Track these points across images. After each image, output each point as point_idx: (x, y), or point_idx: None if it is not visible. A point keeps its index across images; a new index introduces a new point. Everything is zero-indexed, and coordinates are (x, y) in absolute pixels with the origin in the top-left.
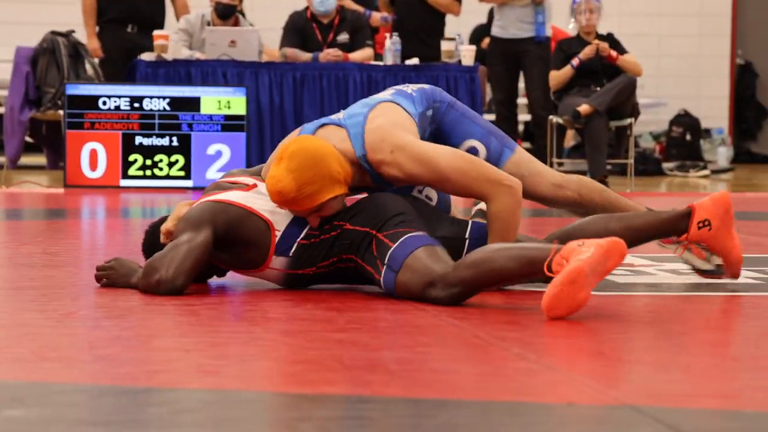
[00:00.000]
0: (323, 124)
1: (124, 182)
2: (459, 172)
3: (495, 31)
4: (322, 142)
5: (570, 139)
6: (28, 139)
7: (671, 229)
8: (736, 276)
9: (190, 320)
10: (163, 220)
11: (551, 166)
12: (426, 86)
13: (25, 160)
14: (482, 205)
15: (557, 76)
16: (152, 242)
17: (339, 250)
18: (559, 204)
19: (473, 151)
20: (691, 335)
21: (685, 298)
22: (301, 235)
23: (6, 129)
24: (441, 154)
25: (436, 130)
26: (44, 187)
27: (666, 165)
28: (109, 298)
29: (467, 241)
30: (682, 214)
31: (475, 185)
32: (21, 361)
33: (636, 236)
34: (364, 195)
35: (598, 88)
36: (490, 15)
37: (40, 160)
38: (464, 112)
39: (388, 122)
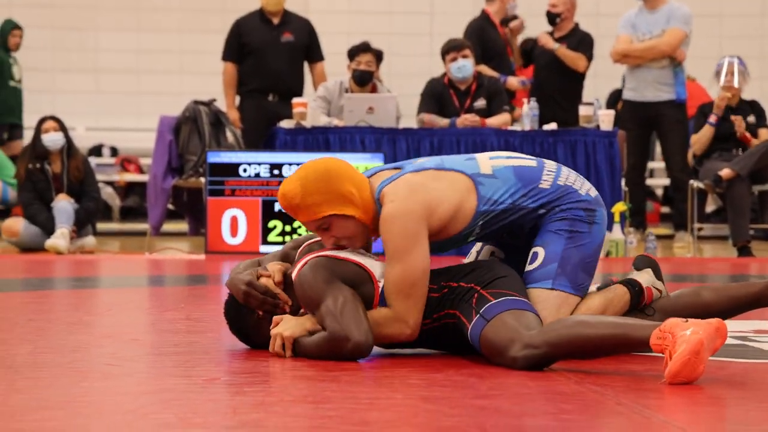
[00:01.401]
0: (394, 167)
1: (263, 248)
2: (400, 280)
3: (628, 94)
4: (344, 163)
5: (711, 203)
6: (170, 206)
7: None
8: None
9: (330, 386)
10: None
11: (692, 231)
12: (551, 177)
13: (168, 227)
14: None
15: (699, 139)
16: (236, 309)
17: (445, 305)
18: None
19: (534, 255)
20: None
21: None
22: None
23: (149, 197)
24: (414, 255)
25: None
26: (186, 253)
27: None
28: (252, 364)
29: None
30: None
31: (392, 298)
32: (167, 427)
33: (733, 306)
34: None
35: (740, 152)
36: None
37: (182, 227)
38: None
39: (419, 182)
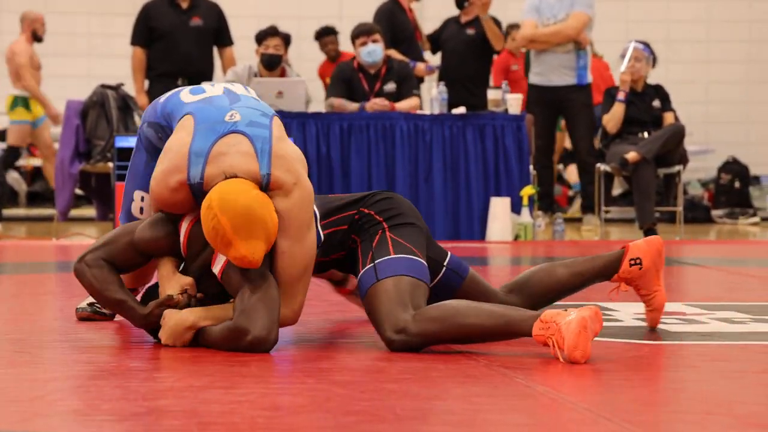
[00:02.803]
0: (223, 134)
1: None
2: (294, 261)
3: (534, 78)
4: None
5: (617, 186)
6: (78, 191)
7: (611, 269)
8: (655, 322)
9: (240, 371)
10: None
11: (599, 213)
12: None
13: (75, 212)
14: None
15: (612, 117)
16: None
17: (354, 231)
18: None
19: None
20: (746, 382)
21: (740, 346)
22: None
23: (57, 181)
24: (309, 236)
25: None
26: (94, 238)
27: (715, 212)
28: (159, 351)
29: (444, 269)
30: (619, 254)
31: (287, 282)
32: (75, 413)
33: (581, 281)
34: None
35: (646, 135)
36: (526, 61)
37: (90, 212)
38: None
39: (291, 147)
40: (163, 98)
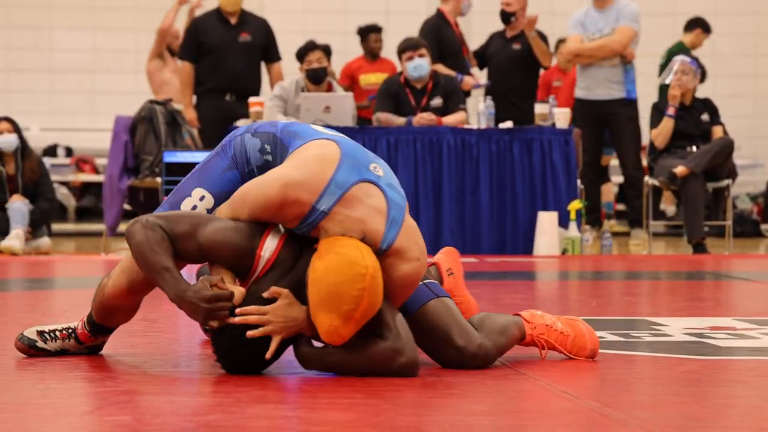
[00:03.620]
0: (366, 180)
1: None
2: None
3: (579, 93)
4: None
5: (666, 202)
6: (126, 206)
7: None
8: None
9: (288, 386)
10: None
11: (647, 228)
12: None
13: (124, 227)
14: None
15: (660, 132)
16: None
17: None
18: None
19: None
20: None
21: None
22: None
23: (105, 197)
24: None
25: None
26: None
27: (764, 226)
28: (209, 365)
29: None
30: (435, 270)
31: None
32: (124, 428)
33: None
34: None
35: (694, 149)
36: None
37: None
38: None
39: (414, 224)
40: (285, 121)
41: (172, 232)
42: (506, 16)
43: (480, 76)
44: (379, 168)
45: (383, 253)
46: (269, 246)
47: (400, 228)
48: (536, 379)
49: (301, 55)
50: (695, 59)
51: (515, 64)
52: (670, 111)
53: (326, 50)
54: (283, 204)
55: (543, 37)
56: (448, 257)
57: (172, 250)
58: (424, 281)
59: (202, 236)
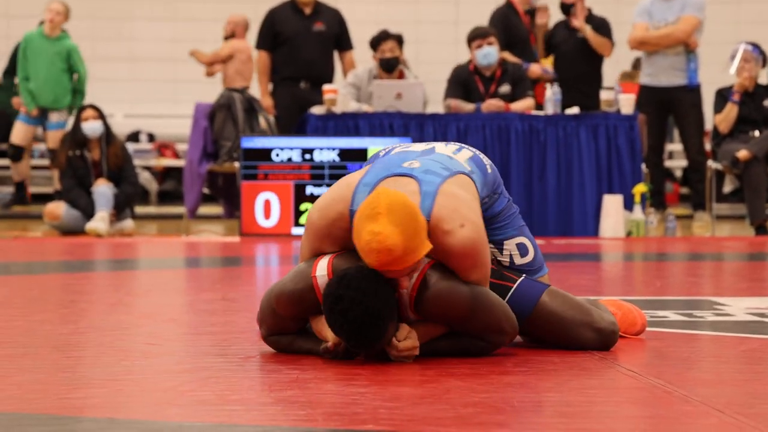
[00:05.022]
0: (395, 174)
1: (296, 230)
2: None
3: (644, 79)
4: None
5: (729, 183)
6: (205, 190)
7: None
8: None
9: (362, 364)
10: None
11: (710, 210)
12: (488, 164)
13: (203, 210)
14: None
15: (724, 118)
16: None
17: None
18: None
19: (523, 247)
20: None
21: None
22: None
23: (186, 181)
24: (487, 268)
25: (489, 218)
26: (221, 235)
27: None
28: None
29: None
30: None
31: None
32: (205, 403)
33: None
34: None
35: (757, 134)
36: (636, 62)
37: (217, 210)
38: (515, 209)
39: (463, 196)
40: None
41: (273, 330)
42: (566, 8)
43: (547, 66)
44: (416, 162)
45: (428, 226)
46: (321, 265)
47: (435, 198)
48: (601, 357)
49: (375, 44)
50: (757, 46)
51: (579, 52)
52: (735, 97)
53: (399, 39)
54: (328, 224)
55: (603, 26)
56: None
57: (291, 333)
58: (519, 279)
59: (277, 307)
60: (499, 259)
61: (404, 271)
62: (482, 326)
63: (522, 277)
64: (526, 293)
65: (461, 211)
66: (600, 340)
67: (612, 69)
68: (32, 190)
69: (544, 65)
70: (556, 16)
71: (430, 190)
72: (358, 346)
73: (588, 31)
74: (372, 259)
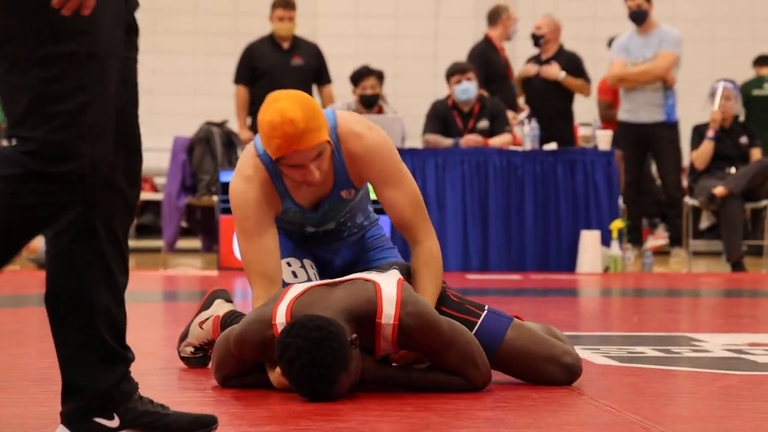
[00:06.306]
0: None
1: None
2: (417, 199)
3: (623, 115)
4: None
5: (705, 220)
6: (184, 224)
7: None
8: None
9: (341, 399)
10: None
11: (687, 247)
12: None
13: (181, 243)
14: None
15: (700, 154)
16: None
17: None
18: None
19: None
20: None
21: None
22: None
23: (164, 214)
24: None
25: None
26: (199, 269)
27: None
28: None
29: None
30: None
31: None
32: None
33: None
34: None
35: (733, 171)
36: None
37: (195, 243)
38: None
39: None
40: None
41: (228, 376)
42: (536, 39)
43: (523, 104)
44: None
45: (339, 137)
46: (280, 312)
47: (335, 115)
48: (579, 393)
49: (356, 79)
50: (735, 83)
51: (551, 87)
52: (711, 134)
53: (380, 76)
54: (247, 183)
55: (575, 64)
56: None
57: (246, 374)
58: (483, 313)
59: (238, 352)
60: None
61: (310, 153)
62: (460, 358)
63: (485, 311)
64: (491, 329)
65: (364, 120)
66: (566, 376)
67: (591, 104)
68: None
69: (522, 109)
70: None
71: (330, 116)
72: (308, 396)
73: (562, 78)
74: (277, 135)
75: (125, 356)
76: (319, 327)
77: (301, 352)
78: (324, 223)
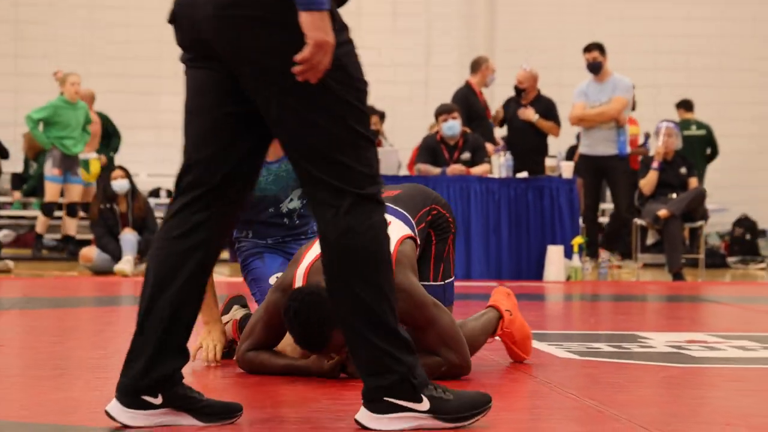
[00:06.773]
0: None
1: None
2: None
3: (583, 149)
4: None
5: (651, 237)
6: None
7: (495, 327)
8: (526, 352)
9: (347, 384)
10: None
11: (635, 260)
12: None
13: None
14: None
15: (647, 182)
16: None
17: (430, 226)
18: None
19: None
20: (760, 399)
21: (754, 369)
22: None
23: None
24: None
25: None
26: (226, 276)
27: (730, 259)
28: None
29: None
30: (494, 313)
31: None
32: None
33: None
34: None
35: (674, 196)
36: (578, 137)
37: (224, 254)
38: None
39: None
40: None
41: (255, 345)
42: (519, 91)
43: (499, 135)
44: None
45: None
46: (299, 275)
47: None
48: (546, 382)
49: None
50: (676, 123)
51: (528, 126)
52: (655, 165)
53: (381, 115)
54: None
55: (549, 108)
56: (504, 298)
57: (268, 350)
58: (444, 282)
59: (268, 317)
60: None
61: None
62: (440, 339)
63: (448, 282)
64: (434, 292)
65: None
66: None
67: (559, 140)
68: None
69: (498, 141)
70: (510, 94)
71: None
72: (308, 348)
73: (536, 120)
74: None
75: (188, 354)
76: (312, 293)
77: (298, 313)
78: (284, 188)
